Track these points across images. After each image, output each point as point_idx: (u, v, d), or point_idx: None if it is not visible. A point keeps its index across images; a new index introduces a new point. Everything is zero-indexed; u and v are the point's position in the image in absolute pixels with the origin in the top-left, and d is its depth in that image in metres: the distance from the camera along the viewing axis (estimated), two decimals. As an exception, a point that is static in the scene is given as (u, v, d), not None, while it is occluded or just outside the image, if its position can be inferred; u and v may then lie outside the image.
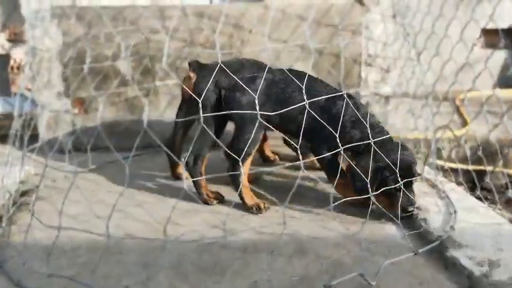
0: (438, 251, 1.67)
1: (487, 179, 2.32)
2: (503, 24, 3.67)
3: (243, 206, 2.07)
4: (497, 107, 1.98)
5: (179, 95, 3.03)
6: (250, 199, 2.06)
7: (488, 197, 2.60)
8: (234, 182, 2.06)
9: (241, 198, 2.06)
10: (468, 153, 2.56)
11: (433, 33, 2.44)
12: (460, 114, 3.99)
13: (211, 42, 2.95)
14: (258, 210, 2.02)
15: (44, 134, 2.97)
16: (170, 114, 3.04)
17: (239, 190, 2.03)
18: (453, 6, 2.19)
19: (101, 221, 1.94)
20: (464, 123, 3.50)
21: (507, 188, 3.09)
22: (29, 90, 3.36)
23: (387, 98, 3.04)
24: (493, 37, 4.42)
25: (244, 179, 2.04)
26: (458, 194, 2.15)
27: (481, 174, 3.03)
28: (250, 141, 1.99)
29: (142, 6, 2.93)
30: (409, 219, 1.90)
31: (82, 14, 2.76)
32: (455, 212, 1.91)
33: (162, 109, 3.06)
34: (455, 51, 2.14)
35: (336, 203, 1.52)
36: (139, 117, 3.03)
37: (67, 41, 2.84)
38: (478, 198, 2.13)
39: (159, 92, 3.00)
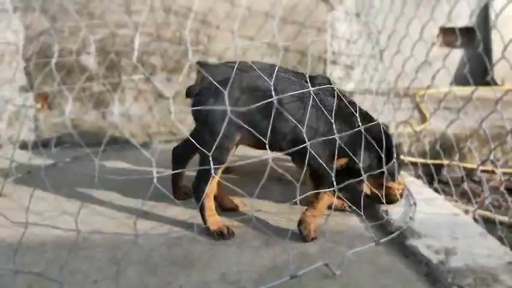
0: (398, 240, 1.75)
1: (444, 172, 2.44)
2: (460, 23, 3.83)
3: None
4: (455, 103, 2.08)
5: (145, 90, 3.04)
6: (213, 222, 1.83)
7: (445, 189, 2.73)
8: (196, 200, 1.84)
9: (204, 220, 1.84)
10: (427, 147, 2.67)
11: (394, 32, 2.54)
12: (420, 110, 4.15)
13: (178, 38, 2.95)
14: (221, 236, 1.79)
15: (5, 130, 2.90)
16: (136, 110, 3.04)
17: (200, 210, 1.84)
18: (414, 6, 2.28)
19: (67, 217, 1.93)
20: (424, 119, 3.64)
21: (463, 181, 3.25)
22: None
23: (351, 94, 3.12)
24: (450, 36, 4.61)
25: (207, 200, 1.84)
26: (417, 186, 2.24)
27: (439, 167, 3.17)
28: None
29: (108, 0, 2.90)
30: (371, 211, 1.97)
31: (45, 7, 2.70)
32: (414, 203, 2.00)
33: (128, 104, 3.04)
34: (415, 49, 2.23)
35: (302, 196, 1.57)
36: (104, 113, 3.00)
37: (30, 34, 2.78)
38: (436, 190, 2.24)
39: (125, 87, 2.98)
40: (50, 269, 1.57)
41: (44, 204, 2.10)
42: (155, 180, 1.26)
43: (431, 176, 2.57)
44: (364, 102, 2.85)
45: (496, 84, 4.77)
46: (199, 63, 1.86)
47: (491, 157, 1.88)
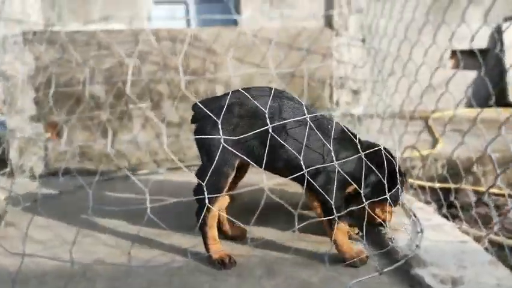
0: (403, 269, 1.70)
1: (453, 197, 2.38)
2: (474, 45, 3.81)
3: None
4: (467, 126, 2.04)
5: (152, 118, 3.07)
6: (215, 251, 1.80)
7: (459, 214, 2.66)
8: (200, 229, 1.83)
9: (206, 248, 1.82)
10: (440, 171, 2.63)
11: (399, 56, 2.53)
12: (432, 134, 4.10)
13: (184, 67, 2.99)
14: (222, 265, 1.76)
15: (15, 159, 2.94)
16: (143, 137, 3.06)
17: (203, 238, 1.83)
18: (417, 30, 2.28)
19: (68, 246, 1.93)
20: (436, 142, 3.60)
21: (477, 206, 3.17)
22: (1, 113, 3.34)
23: (359, 119, 3.11)
24: (462, 57, 4.57)
25: (210, 228, 1.82)
26: (425, 212, 2.19)
27: (452, 192, 3.10)
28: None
29: (115, 31, 2.96)
30: (377, 239, 1.93)
31: (54, 39, 2.77)
32: (421, 230, 1.95)
33: (136, 132, 3.06)
34: (423, 72, 2.22)
35: (302, 224, 1.54)
36: (112, 141, 3.03)
37: (39, 65, 2.85)
38: (445, 216, 2.18)
39: (133, 115, 3.01)
40: (49, 300, 1.56)
41: (48, 233, 2.11)
42: (148, 210, 1.26)
43: (445, 199, 2.51)
44: (371, 126, 2.84)
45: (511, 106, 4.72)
46: (195, 105, 1.88)
47: (498, 182, 1.83)
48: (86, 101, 2.81)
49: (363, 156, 1.73)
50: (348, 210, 1.74)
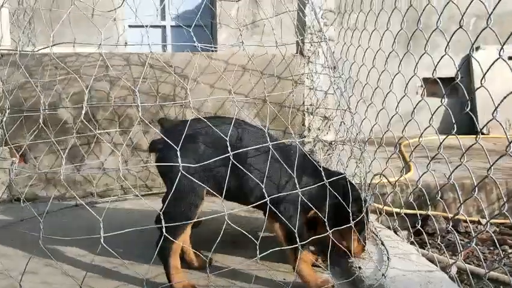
0: (369, 300, 1.67)
1: (420, 224, 2.37)
2: (443, 74, 3.89)
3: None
4: (442, 152, 2.04)
5: (121, 143, 3.02)
6: (178, 282, 1.74)
7: (430, 241, 2.66)
8: (161, 258, 1.75)
9: (168, 278, 1.76)
10: (410, 198, 2.62)
11: (367, 84, 2.56)
12: (404, 160, 4.13)
13: (155, 92, 2.97)
14: None
15: (-23, 184, 2.85)
16: (112, 163, 3.00)
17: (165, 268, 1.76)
18: (390, 57, 2.32)
19: (27, 276, 1.84)
20: (409, 168, 3.62)
21: (448, 232, 3.18)
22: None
23: (330, 145, 3.11)
24: (434, 86, 4.67)
25: (173, 258, 1.75)
26: (393, 240, 2.18)
27: (424, 219, 3.10)
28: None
29: (85, 55, 2.93)
30: (343, 267, 1.90)
31: (21, 62, 2.72)
32: (388, 259, 1.94)
33: (104, 157, 3.01)
34: (399, 99, 2.24)
35: (263, 254, 1.51)
36: (79, 166, 2.97)
37: (5, 88, 2.79)
38: (412, 243, 2.17)
39: (101, 140, 2.96)
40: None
41: (6, 262, 2.02)
42: (102, 240, 1.21)
43: (415, 227, 2.50)
44: (343, 153, 2.84)
45: (482, 133, 4.82)
46: (161, 120, 1.85)
47: (461, 210, 1.83)
48: (53, 125, 2.75)
49: (327, 184, 1.72)
50: (311, 238, 1.72)
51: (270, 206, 1.62)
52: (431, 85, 4.32)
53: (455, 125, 1.87)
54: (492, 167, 1.67)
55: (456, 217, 3.00)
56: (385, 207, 2.63)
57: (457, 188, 1.88)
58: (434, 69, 2.02)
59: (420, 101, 2.14)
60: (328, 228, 1.69)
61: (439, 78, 2.09)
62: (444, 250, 2.20)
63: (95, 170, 2.97)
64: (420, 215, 2.64)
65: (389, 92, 2.32)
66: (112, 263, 2.00)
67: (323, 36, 2.87)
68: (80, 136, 2.92)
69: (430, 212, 2.57)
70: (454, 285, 1.75)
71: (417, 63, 2.08)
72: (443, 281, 1.78)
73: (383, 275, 1.78)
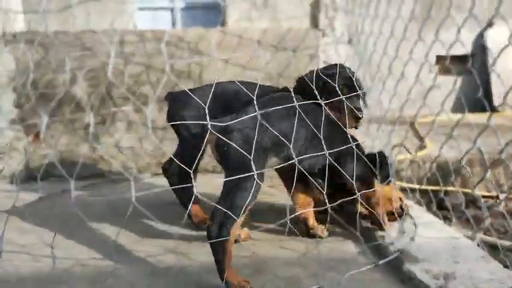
0: (394, 265, 1.65)
1: (445, 198, 2.35)
2: (457, 51, 3.82)
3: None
4: (455, 130, 2.01)
5: (136, 121, 3.01)
6: (233, 275, 1.52)
7: (448, 216, 2.63)
8: (215, 248, 1.52)
9: (221, 270, 1.52)
10: (428, 173, 2.60)
11: (385, 54, 2.51)
12: (418, 137, 4.09)
13: (169, 69, 2.94)
14: None
15: (-5, 163, 2.86)
16: (127, 141, 2.99)
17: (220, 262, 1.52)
18: (405, 30, 2.26)
19: (50, 250, 1.85)
20: (422, 145, 3.58)
21: (467, 207, 3.15)
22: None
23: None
24: (446, 63, 4.60)
25: (229, 248, 1.52)
26: (416, 211, 2.16)
27: (441, 193, 3.08)
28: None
29: (99, 31, 2.91)
30: (367, 234, 1.89)
31: (36, 40, 2.71)
32: (415, 225, 1.91)
33: (119, 136, 3.00)
34: (413, 74, 2.19)
35: (292, 216, 1.50)
36: (94, 145, 2.96)
37: (20, 67, 2.78)
38: (435, 214, 2.15)
39: (116, 118, 2.95)
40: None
41: (29, 237, 2.03)
42: (133, 199, 1.20)
43: (431, 201, 2.48)
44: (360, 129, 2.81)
45: (496, 110, 4.74)
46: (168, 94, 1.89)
47: (486, 177, 1.79)
48: (69, 104, 2.74)
49: (354, 147, 1.69)
50: (340, 201, 1.69)
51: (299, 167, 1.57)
52: (445, 63, 4.25)
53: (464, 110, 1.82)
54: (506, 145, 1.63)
55: (475, 192, 2.99)
56: (405, 183, 2.60)
57: (486, 160, 1.83)
58: (451, 47, 1.95)
59: (435, 78, 2.09)
60: (356, 191, 1.65)
61: (454, 56, 2.03)
62: (472, 222, 2.17)
63: (111, 148, 2.97)
64: (438, 190, 2.62)
65: (404, 70, 2.27)
66: (134, 237, 1.99)
67: (338, 9, 2.82)
68: (96, 115, 2.91)
69: (456, 188, 2.52)
70: (481, 251, 1.73)
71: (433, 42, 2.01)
72: (469, 247, 1.76)
73: (411, 239, 1.76)
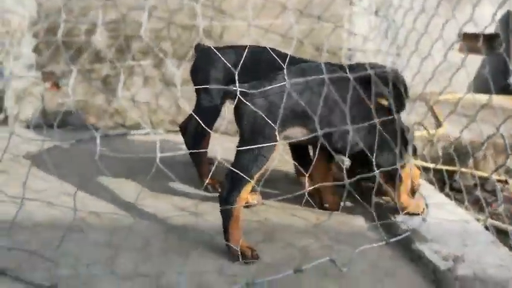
0: (404, 244, 1.67)
1: (456, 179, 2.35)
2: (481, 29, 3.71)
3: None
4: (473, 111, 1.99)
5: (153, 76, 2.98)
6: (236, 239, 1.53)
7: (457, 197, 2.64)
8: (222, 211, 1.56)
9: (226, 235, 1.55)
10: (440, 153, 2.58)
11: (414, 30, 2.44)
12: (435, 116, 4.04)
13: (190, 27, 2.89)
14: (243, 257, 1.51)
15: (10, 107, 2.86)
16: (143, 96, 2.98)
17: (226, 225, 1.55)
18: (436, 5, 2.19)
19: (65, 198, 1.88)
20: (439, 125, 3.54)
21: (475, 189, 3.15)
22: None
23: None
24: (470, 41, 4.49)
25: (237, 212, 1.55)
26: (428, 190, 2.16)
27: (452, 174, 3.07)
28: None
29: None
30: (378, 212, 1.90)
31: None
32: (426, 205, 1.92)
33: (135, 90, 2.99)
34: (435, 51, 2.14)
35: (310, 188, 1.51)
36: (111, 96, 2.95)
37: (41, 12, 2.73)
38: (447, 195, 2.15)
39: (134, 72, 2.93)
40: (44, 249, 1.52)
41: (43, 183, 2.06)
42: (157, 160, 1.20)
43: (443, 182, 2.48)
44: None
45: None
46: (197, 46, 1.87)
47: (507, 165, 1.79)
48: (87, 53, 2.72)
49: (377, 124, 1.66)
50: (359, 177, 1.68)
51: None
52: (468, 41, 4.14)
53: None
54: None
55: (484, 176, 2.98)
56: (420, 162, 2.59)
57: (507, 144, 1.81)
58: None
59: (465, 58, 2.02)
60: (375, 168, 1.65)
61: (478, 34, 1.97)
62: (484, 205, 2.18)
63: (126, 101, 2.96)
64: (453, 171, 2.62)
65: (436, 41, 2.21)
66: (149, 193, 2.02)
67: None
68: (113, 66, 2.88)
69: (470, 170, 2.51)
70: (490, 236, 1.74)
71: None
72: (479, 232, 1.77)
73: (423, 219, 1.77)
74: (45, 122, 2.73)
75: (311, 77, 1.58)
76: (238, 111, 1.58)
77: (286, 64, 1.50)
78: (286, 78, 1.48)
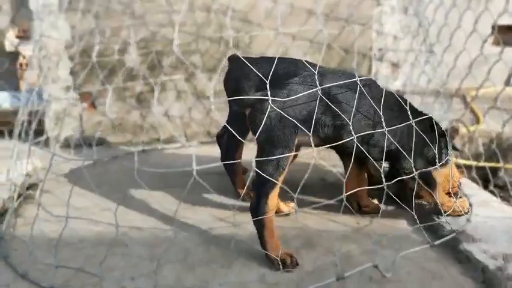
0: (450, 245, 1.62)
1: (500, 175, 2.26)
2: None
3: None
4: (510, 104, 1.93)
5: (185, 90, 3.03)
6: (274, 248, 1.54)
7: (501, 194, 2.54)
8: (255, 220, 1.58)
9: (263, 245, 1.56)
10: (481, 149, 2.50)
11: (445, 25, 2.39)
12: (472, 111, 3.93)
13: (218, 38, 2.92)
14: (283, 265, 1.50)
15: (50, 128, 2.96)
16: (176, 110, 3.03)
17: (261, 235, 1.57)
18: (466, 1, 2.14)
19: (107, 213, 1.93)
20: (477, 120, 3.44)
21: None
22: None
23: (399, 93, 2.99)
24: (505, 33, 4.35)
25: (269, 220, 1.56)
26: (472, 188, 2.10)
27: (495, 171, 2.96)
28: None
29: (149, 0, 2.91)
30: (421, 213, 1.85)
31: (89, 8, 2.74)
32: (470, 205, 1.86)
33: (169, 104, 3.04)
34: (468, 45, 2.08)
35: (348, 193, 1.48)
36: (146, 112, 3.01)
37: (75, 34, 2.83)
38: (492, 193, 2.08)
39: (166, 87, 2.98)
40: (89, 265, 1.55)
41: (84, 201, 2.11)
42: (194, 172, 1.21)
43: (485, 180, 2.39)
44: (413, 102, 2.72)
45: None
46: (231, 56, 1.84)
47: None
48: (121, 71, 2.79)
49: (413, 123, 1.64)
50: (396, 180, 1.66)
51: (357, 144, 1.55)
52: (502, 33, 4.01)
53: None
54: None
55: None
56: (460, 160, 2.52)
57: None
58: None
59: (502, 52, 1.96)
60: (414, 170, 1.61)
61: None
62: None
63: (160, 116, 3.01)
64: (496, 167, 2.52)
65: (470, 36, 2.15)
66: (186, 205, 2.03)
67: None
68: (146, 83, 2.94)
69: (507, 165, 2.42)
70: (541, 233, 1.66)
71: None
72: (528, 229, 1.70)
73: (468, 220, 1.71)
74: (84, 141, 2.81)
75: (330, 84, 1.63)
76: (253, 120, 1.61)
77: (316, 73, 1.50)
78: (317, 85, 1.49)
